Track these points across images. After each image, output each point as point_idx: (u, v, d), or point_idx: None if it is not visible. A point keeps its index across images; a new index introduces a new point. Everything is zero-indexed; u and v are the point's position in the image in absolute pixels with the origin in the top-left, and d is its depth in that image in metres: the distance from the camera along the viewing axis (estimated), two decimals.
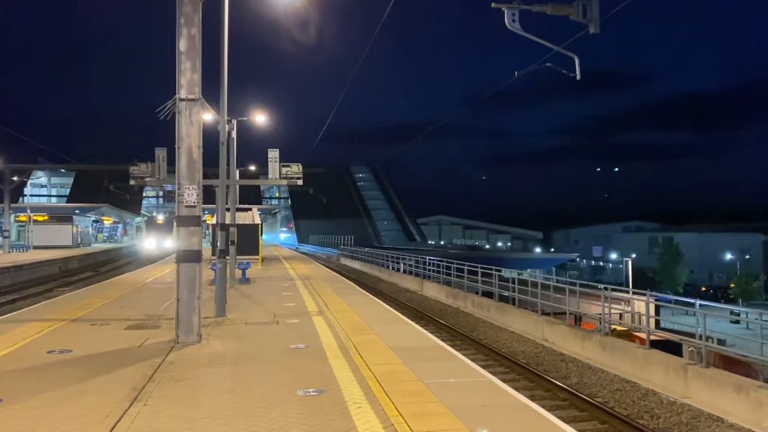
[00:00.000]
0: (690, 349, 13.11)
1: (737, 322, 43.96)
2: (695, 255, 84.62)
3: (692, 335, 14.36)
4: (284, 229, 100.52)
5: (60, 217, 51.89)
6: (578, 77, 11.89)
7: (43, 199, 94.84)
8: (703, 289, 77.36)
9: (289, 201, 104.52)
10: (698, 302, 12.82)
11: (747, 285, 69.24)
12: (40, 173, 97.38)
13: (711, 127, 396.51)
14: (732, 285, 73.01)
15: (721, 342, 18.30)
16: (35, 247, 45.11)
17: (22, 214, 50.95)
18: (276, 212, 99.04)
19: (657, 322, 17.97)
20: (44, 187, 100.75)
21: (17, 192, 77.82)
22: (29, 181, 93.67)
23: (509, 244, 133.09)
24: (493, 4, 10.99)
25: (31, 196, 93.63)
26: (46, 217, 50.89)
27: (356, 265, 45.08)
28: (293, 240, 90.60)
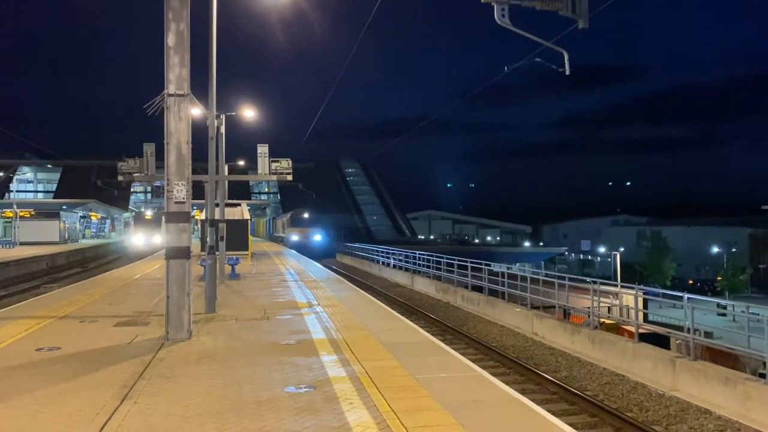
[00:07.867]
0: (678, 342, 13.20)
1: (724, 314, 44.46)
2: (683, 248, 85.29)
3: (680, 328, 14.48)
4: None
5: (47, 213, 51.35)
6: (567, 72, 11.88)
7: (30, 195, 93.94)
8: (691, 282, 77.98)
9: (279, 196, 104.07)
10: (686, 296, 12.92)
11: (733, 278, 69.87)
12: (26, 169, 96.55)
13: (701, 121, 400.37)
14: (719, 278, 73.67)
15: (708, 335, 18.45)
16: (22, 244, 44.67)
17: (8, 210, 50.43)
18: (265, 207, 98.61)
19: (645, 316, 18.12)
20: (31, 182, 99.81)
21: (3, 188, 77.41)
22: (15, 177, 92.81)
23: (498, 238, 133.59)
24: (482, 0, 10.95)
25: (17, 191, 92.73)
26: (32, 213, 50.39)
27: (346, 260, 45.12)
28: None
